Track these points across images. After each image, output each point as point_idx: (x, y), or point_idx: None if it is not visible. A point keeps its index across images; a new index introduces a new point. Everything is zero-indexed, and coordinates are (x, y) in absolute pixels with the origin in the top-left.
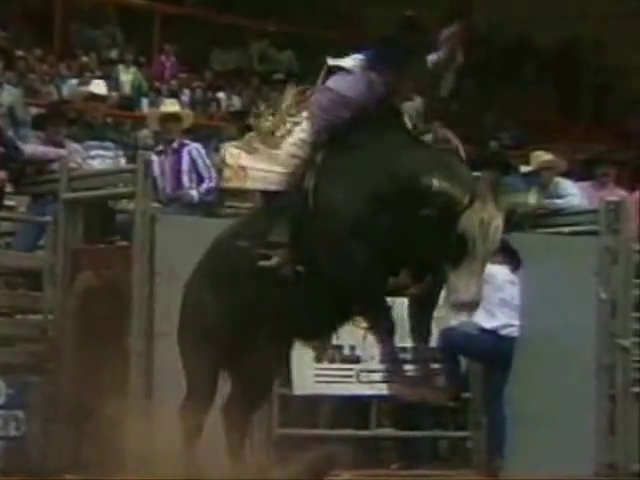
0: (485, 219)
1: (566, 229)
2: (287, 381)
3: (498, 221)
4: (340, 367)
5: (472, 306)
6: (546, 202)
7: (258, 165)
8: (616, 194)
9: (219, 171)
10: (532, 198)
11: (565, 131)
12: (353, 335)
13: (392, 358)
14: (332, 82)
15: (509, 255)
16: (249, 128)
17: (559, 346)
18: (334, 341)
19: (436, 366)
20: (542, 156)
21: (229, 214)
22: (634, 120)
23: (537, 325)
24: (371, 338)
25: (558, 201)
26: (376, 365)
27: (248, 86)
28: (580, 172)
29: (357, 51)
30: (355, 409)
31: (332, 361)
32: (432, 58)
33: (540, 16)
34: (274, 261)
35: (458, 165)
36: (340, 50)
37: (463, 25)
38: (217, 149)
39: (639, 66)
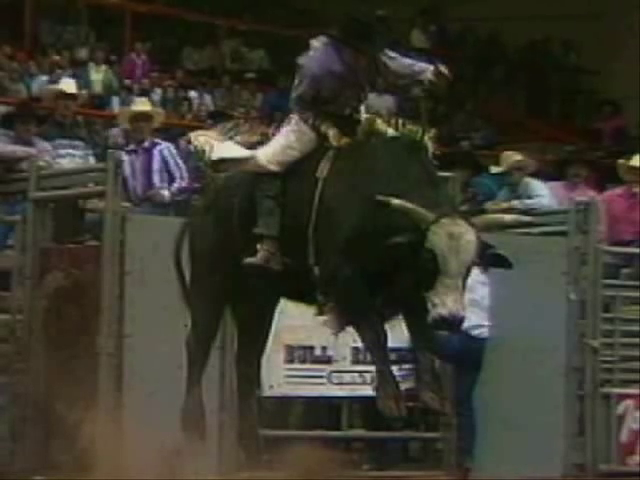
0: (455, 233)
1: (536, 229)
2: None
3: (470, 235)
4: (311, 368)
5: (452, 322)
6: (516, 202)
7: (232, 147)
8: (586, 194)
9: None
10: (508, 217)
11: (534, 131)
12: (325, 336)
13: (379, 369)
14: (301, 59)
15: (479, 256)
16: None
17: (529, 346)
18: (306, 342)
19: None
20: (512, 156)
21: None
22: (602, 120)
23: (507, 326)
24: (343, 339)
25: (528, 201)
26: (348, 366)
27: (220, 85)
28: (550, 172)
29: None
30: (326, 410)
31: (303, 362)
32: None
33: (509, 17)
34: (259, 258)
35: (423, 176)
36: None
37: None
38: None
39: (607, 66)
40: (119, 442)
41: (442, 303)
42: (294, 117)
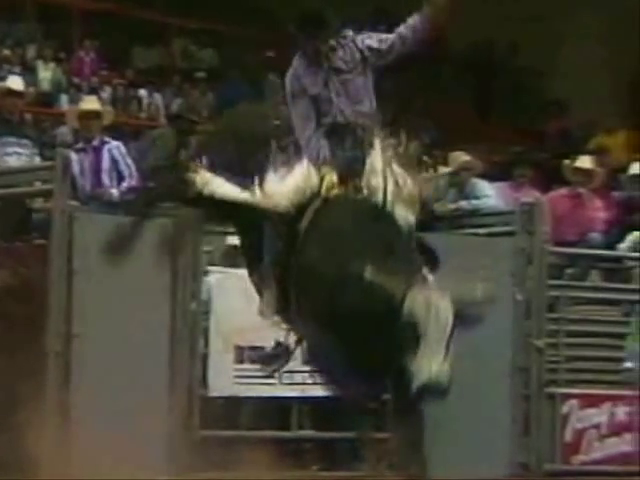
0: (431, 300)
1: (482, 230)
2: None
3: (445, 301)
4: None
5: (436, 390)
6: (463, 203)
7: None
8: (531, 195)
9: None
10: (479, 289)
11: (482, 132)
12: (275, 336)
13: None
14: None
15: (427, 256)
16: (186, 132)
17: (475, 346)
18: (256, 342)
19: None
20: (460, 157)
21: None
22: (547, 121)
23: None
24: (294, 338)
25: (475, 202)
26: (298, 366)
27: (170, 84)
28: (497, 173)
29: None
30: (276, 410)
31: (253, 362)
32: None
33: (456, 17)
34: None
35: (398, 243)
36: (261, 48)
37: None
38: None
39: (552, 67)
40: (66, 442)
41: (420, 371)
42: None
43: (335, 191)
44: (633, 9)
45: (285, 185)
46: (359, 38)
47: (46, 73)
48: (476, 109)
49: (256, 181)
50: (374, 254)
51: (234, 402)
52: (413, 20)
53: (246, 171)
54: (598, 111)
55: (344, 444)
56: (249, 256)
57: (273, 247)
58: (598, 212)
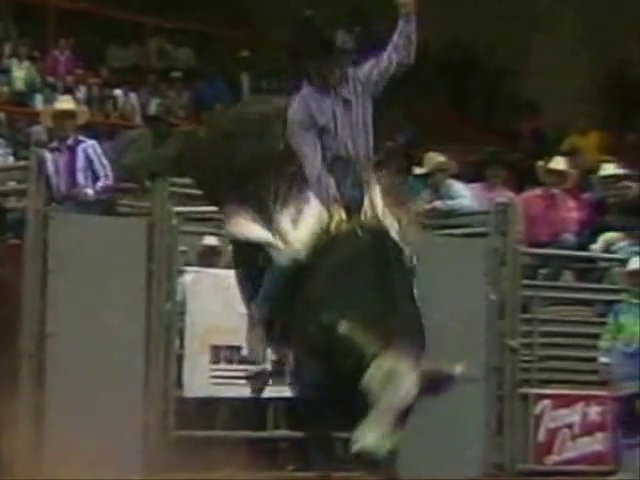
0: (395, 372)
1: (457, 231)
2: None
3: (410, 378)
4: (237, 368)
5: (368, 460)
6: (438, 204)
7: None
8: (504, 196)
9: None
10: (458, 370)
11: (457, 132)
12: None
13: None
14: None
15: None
16: (163, 135)
17: (448, 346)
18: (232, 342)
19: None
20: (435, 158)
21: (125, 213)
22: (521, 122)
23: (428, 325)
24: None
25: (449, 203)
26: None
27: (145, 83)
28: (470, 173)
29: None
30: (252, 411)
31: (229, 362)
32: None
33: (432, 18)
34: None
35: (386, 286)
36: (237, 48)
37: None
38: None
39: (526, 68)
40: (41, 443)
41: (362, 437)
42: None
43: (343, 226)
44: (606, 11)
45: (301, 229)
46: (357, 71)
47: (20, 72)
48: (452, 109)
49: (274, 224)
50: (368, 300)
51: (210, 402)
52: (394, 39)
53: (247, 194)
54: (571, 112)
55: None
56: (246, 290)
57: (273, 285)
58: (571, 213)
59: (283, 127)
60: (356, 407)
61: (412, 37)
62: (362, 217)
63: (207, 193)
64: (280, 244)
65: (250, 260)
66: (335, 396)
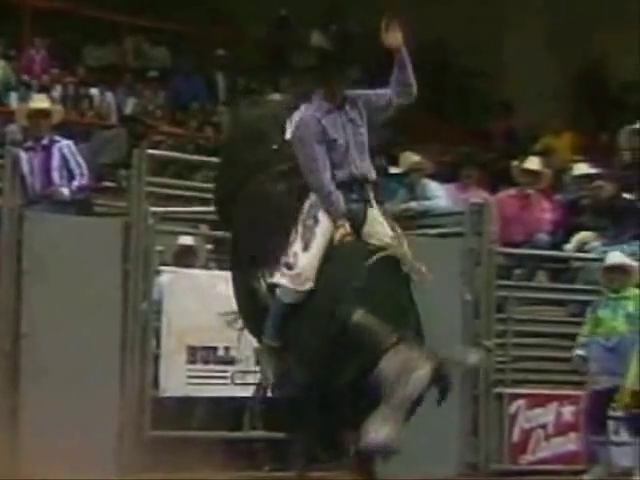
0: (409, 365)
1: (432, 231)
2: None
3: (425, 370)
4: (214, 368)
5: (383, 451)
6: (413, 204)
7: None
8: (479, 196)
9: None
10: (473, 357)
11: (431, 132)
12: (228, 336)
13: None
14: (291, 128)
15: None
16: (139, 136)
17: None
18: (208, 342)
19: None
20: (411, 157)
21: (100, 212)
22: (494, 121)
23: None
24: (246, 338)
25: (425, 203)
26: (251, 366)
27: (121, 83)
28: (444, 173)
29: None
30: (229, 411)
31: (206, 362)
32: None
33: (407, 17)
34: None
35: (395, 291)
36: (213, 47)
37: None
38: None
39: (499, 68)
40: (15, 442)
41: (375, 432)
42: (319, 211)
43: (348, 239)
44: (578, 11)
45: (312, 251)
46: (361, 96)
47: None
48: (427, 109)
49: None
50: (377, 300)
51: (186, 402)
52: (392, 84)
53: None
54: (544, 112)
55: (296, 444)
56: (253, 329)
57: (278, 318)
58: (545, 213)
59: (280, 134)
60: (365, 401)
61: (409, 81)
62: (365, 231)
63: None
64: (288, 273)
65: (253, 303)
66: (341, 392)
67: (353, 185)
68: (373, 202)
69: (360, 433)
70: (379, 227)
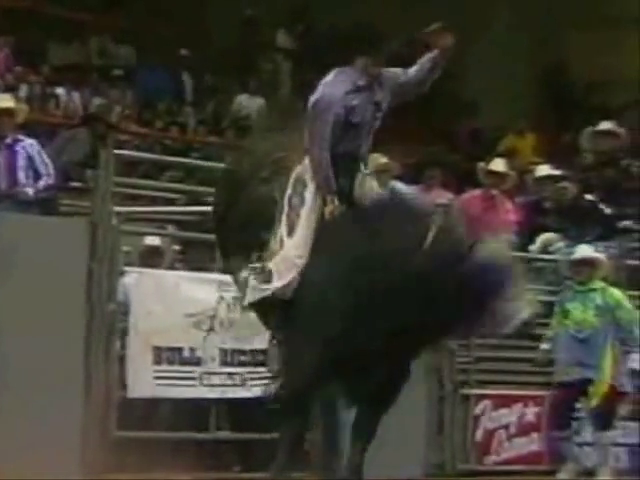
0: (500, 248)
1: None
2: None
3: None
4: (180, 369)
5: (528, 324)
6: None
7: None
8: (442, 197)
9: None
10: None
11: (396, 134)
12: (193, 337)
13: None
14: (315, 95)
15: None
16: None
17: None
18: (175, 343)
19: None
20: (378, 159)
21: (66, 212)
22: (459, 122)
23: None
24: (212, 339)
25: None
26: (217, 367)
27: (87, 82)
28: (410, 175)
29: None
30: (195, 412)
31: (172, 363)
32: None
33: (374, 19)
34: None
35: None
36: (178, 46)
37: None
38: None
39: (464, 69)
40: None
41: (518, 309)
42: (309, 185)
43: (337, 212)
44: (542, 13)
45: (297, 234)
46: (389, 76)
47: None
48: (392, 110)
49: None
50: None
51: (153, 403)
52: (418, 69)
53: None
54: (508, 113)
55: (263, 445)
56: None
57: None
58: (510, 214)
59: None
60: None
61: (428, 84)
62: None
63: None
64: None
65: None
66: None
67: (348, 163)
68: (365, 178)
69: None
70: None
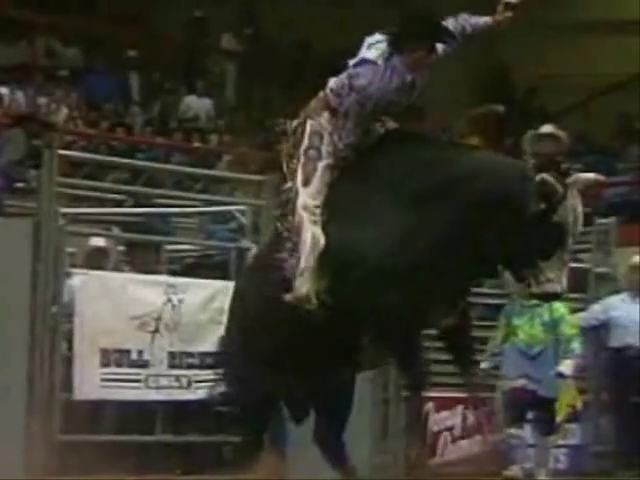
0: (574, 206)
1: None
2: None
3: (581, 206)
4: (127, 372)
5: (557, 296)
6: None
7: None
8: None
9: None
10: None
11: None
12: (141, 339)
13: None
14: (356, 79)
15: None
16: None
17: None
18: (122, 345)
19: None
20: None
21: (9, 213)
22: (406, 125)
23: None
24: (159, 342)
25: None
26: (164, 370)
27: (32, 82)
28: None
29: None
30: (140, 414)
31: (119, 365)
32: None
33: (317, 22)
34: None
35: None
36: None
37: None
38: None
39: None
40: None
41: (558, 278)
42: (323, 145)
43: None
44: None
45: (311, 192)
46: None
47: None
48: None
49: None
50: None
51: (97, 406)
52: (470, 23)
53: None
54: (453, 116)
55: (208, 447)
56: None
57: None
58: None
59: None
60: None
61: (474, 35)
62: None
63: None
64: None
65: None
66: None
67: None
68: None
69: None
70: None
